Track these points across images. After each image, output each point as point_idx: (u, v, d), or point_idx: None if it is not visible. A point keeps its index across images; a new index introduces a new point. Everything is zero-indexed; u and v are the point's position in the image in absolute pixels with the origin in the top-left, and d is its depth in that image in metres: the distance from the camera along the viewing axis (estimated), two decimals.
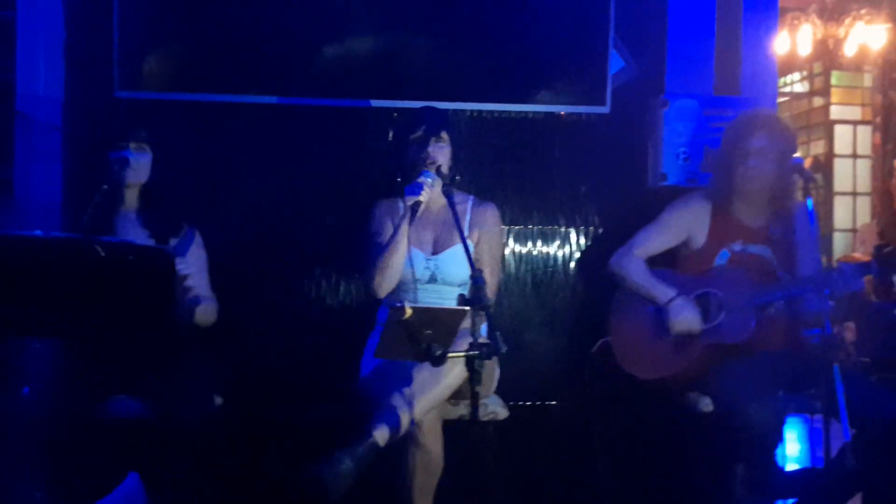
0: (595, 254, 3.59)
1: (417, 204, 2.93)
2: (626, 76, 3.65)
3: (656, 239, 3.27)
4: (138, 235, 3.04)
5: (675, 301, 3.11)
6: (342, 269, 3.58)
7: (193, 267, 3.04)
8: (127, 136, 3.04)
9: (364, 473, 2.62)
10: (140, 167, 3.06)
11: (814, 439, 3.35)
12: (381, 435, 2.68)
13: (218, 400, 3.06)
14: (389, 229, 3.11)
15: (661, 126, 3.55)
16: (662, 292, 3.15)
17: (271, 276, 3.54)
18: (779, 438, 2.97)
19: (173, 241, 3.02)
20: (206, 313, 3.07)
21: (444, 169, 3.05)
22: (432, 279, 3.12)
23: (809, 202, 2.88)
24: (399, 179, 3.09)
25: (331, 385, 3.38)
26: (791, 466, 3.35)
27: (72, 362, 2.91)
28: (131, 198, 3.11)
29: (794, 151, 3.11)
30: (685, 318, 3.09)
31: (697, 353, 3.10)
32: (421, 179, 2.97)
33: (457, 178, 2.97)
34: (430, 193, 2.97)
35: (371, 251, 3.12)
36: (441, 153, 3.08)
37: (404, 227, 2.98)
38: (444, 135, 3.11)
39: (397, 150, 3.20)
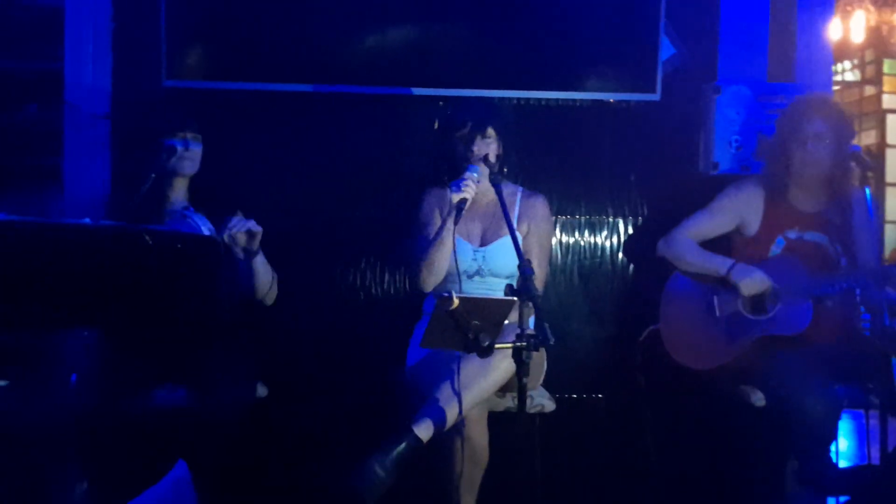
0: (644, 244, 3.54)
1: (464, 201, 2.89)
2: (676, 62, 3.59)
3: (707, 223, 3.22)
4: (188, 225, 3.04)
5: (736, 266, 3.06)
6: (387, 258, 3.57)
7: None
8: (181, 125, 3.03)
9: (404, 471, 2.60)
10: (194, 157, 3.06)
11: (862, 436, 3.28)
12: (426, 430, 2.66)
13: (262, 390, 3.06)
14: (438, 220, 3.09)
15: (714, 113, 3.49)
16: (721, 262, 3.11)
17: (316, 266, 3.54)
18: (834, 433, 2.91)
19: (238, 221, 3.00)
20: (267, 281, 3.06)
21: (492, 159, 3.01)
22: (480, 271, 3.09)
23: (867, 191, 2.80)
24: (446, 178, 3.06)
25: (375, 376, 3.37)
26: (841, 464, 3.28)
27: (119, 351, 2.92)
28: (180, 188, 3.11)
29: (853, 137, 3.05)
30: (752, 279, 3.04)
31: (751, 343, 3.04)
32: (466, 175, 2.93)
33: (504, 170, 2.92)
34: (476, 189, 2.94)
35: (417, 243, 3.11)
36: (487, 149, 3.04)
37: (450, 225, 2.94)
38: (491, 130, 3.07)
39: (443, 142, 3.17)
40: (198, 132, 3.07)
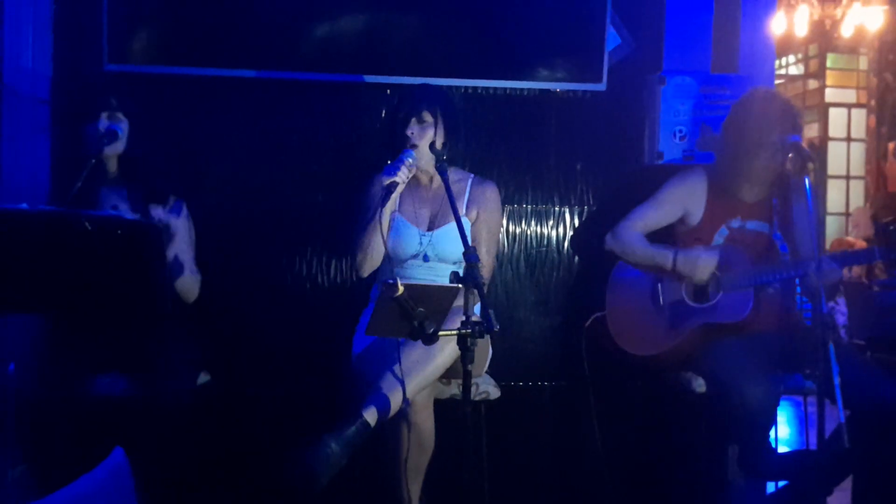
0: (590, 233, 3.57)
1: (394, 185, 2.88)
2: (622, 53, 3.61)
3: (652, 214, 3.25)
4: (121, 206, 3.00)
5: (678, 257, 3.09)
6: (334, 246, 3.55)
7: (180, 239, 3.01)
8: (98, 106, 2.99)
9: (355, 453, 2.61)
10: (117, 136, 3.00)
11: (801, 422, 3.34)
12: (373, 415, 2.67)
13: (204, 377, 3.04)
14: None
15: (658, 103, 3.51)
16: (663, 255, 3.13)
17: (260, 253, 3.51)
18: (772, 420, 2.96)
19: (160, 211, 2.97)
20: (188, 286, 3.03)
21: (438, 146, 3.01)
22: (427, 256, 3.09)
23: (807, 181, 2.84)
24: (389, 162, 3.04)
25: (321, 363, 3.37)
26: (781, 449, 3.34)
27: (58, 338, 2.88)
28: (112, 168, 3.06)
29: (800, 132, 3.08)
30: (697, 267, 3.06)
31: (692, 331, 3.08)
32: (400, 159, 2.93)
33: (444, 157, 2.91)
34: (409, 174, 2.94)
35: (356, 227, 3.10)
36: (423, 134, 3.03)
37: (388, 207, 2.93)
38: (427, 115, 3.06)
39: (389, 129, 3.16)
40: (118, 111, 3.01)
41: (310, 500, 2.61)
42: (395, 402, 2.70)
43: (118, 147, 3.01)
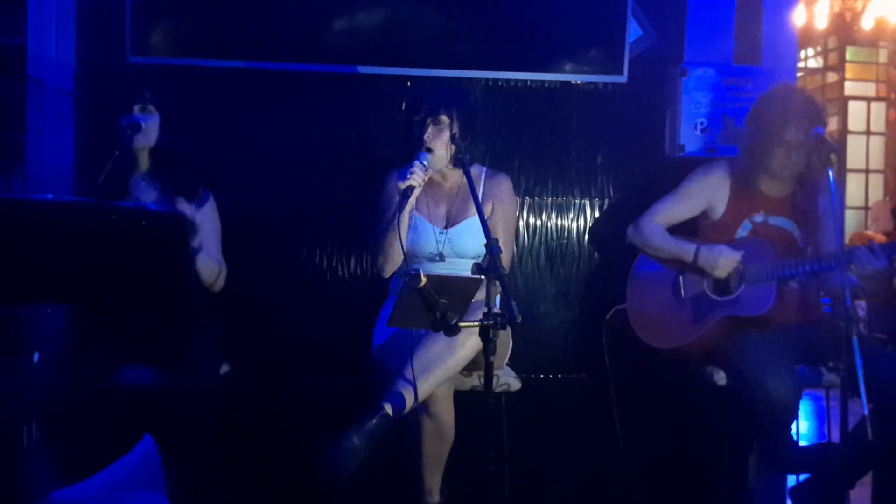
0: (610, 226, 3.56)
1: (410, 189, 2.87)
2: (643, 45, 3.60)
3: (675, 208, 3.24)
4: (152, 198, 3.02)
5: (700, 251, 3.08)
6: (355, 239, 3.55)
7: (208, 230, 3.04)
8: (132, 99, 3.00)
9: (375, 447, 2.62)
10: (146, 129, 3.02)
11: (822, 417, 3.33)
12: (393, 408, 2.67)
13: (224, 367, 3.05)
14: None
15: (680, 95, 3.50)
16: (686, 249, 3.12)
17: (282, 245, 3.52)
18: (795, 413, 2.95)
19: (189, 205, 2.99)
20: (214, 276, 3.05)
21: (457, 143, 3.00)
22: (445, 253, 3.09)
23: (830, 173, 2.83)
24: (406, 162, 3.01)
25: (341, 355, 3.37)
26: (801, 444, 3.33)
27: (83, 329, 2.89)
28: (143, 161, 3.08)
29: (825, 126, 3.06)
30: (719, 262, 3.05)
31: (714, 324, 3.07)
32: (414, 163, 2.92)
33: (462, 154, 2.90)
34: (424, 177, 2.93)
35: (376, 227, 3.10)
36: (439, 134, 3.02)
37: (398, 213, 2.89)
38: (443, 116, 3.03)
39: (406, 124, 3.15)
40: (150, 104, 3.03)
41: (332, 493, 2.62)
42: (419, 393, 2.70)
43: (149, 140, 3.03)
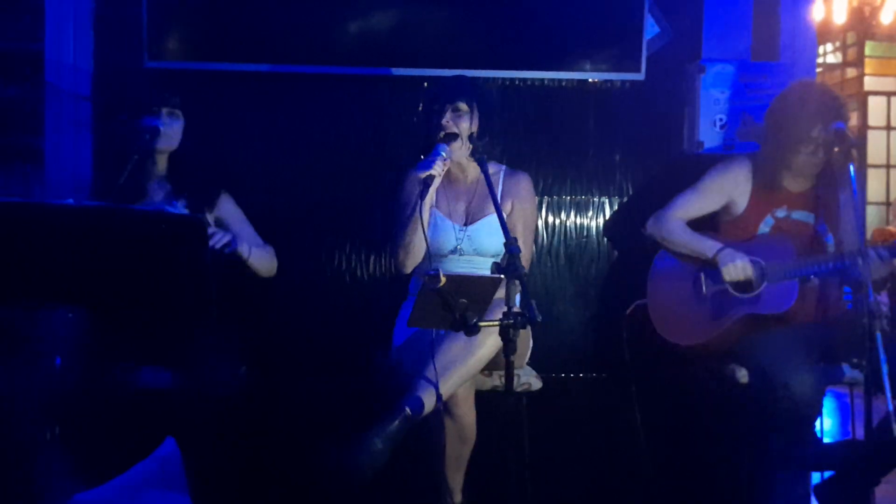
0: (629, 224, 3.54)
1: (431, 178, 2.85)
2: (661, 41, 3.58)
3: (695, 203, 3.22)
4: (170, 203, 3.03)
5: (724, 251, 3.06)
6: (373, 240, 3.56)
7: (235, 225, 3.08)
8: (160, 101, 3.01)
9: (396, 448, 2.61)
10: (172, 133, 3.03)
11: (845, 415, 3.30)
12: (413, 409, 2.66)
13: (241, 369, 3.05)
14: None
15: (698, 92, 3.48)
16: (709, 245, 3.11)
17: (300, 247, 3.52)
18: (818, 410, 2.93)
19: (210, 215, 3.01)
20: (265, 260, 3.10)
21: (464, 133, 2.99)
22: (464, 250, 3.08)
23: (851, 168, 2.81)
24: (422, 157, 3.01)
25: (360, 357, 3.37)
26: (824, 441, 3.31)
27: (104, 332, 2.90)
28: (161, 164, 3.09)
29: (847, 122, 3.03)
30: (735, 266, 3.04)
31: (735, 321, 3.05)
32: (434, 153, 2.92)
33: (479, 149, 2.89)
34: (444, 167, 2.92)
35: (396, 225, 3.09)
36: (458, 122, 3.01)
37: (419, 203, 2.86)
38: (463, 105, 3.03)
39: (426, 121, 3.15)
40: (178, 108, 3.04)
41: (353, 493, 2.62)
42: (440, 393, 2.69)
43: (171, 143, 3.04)
